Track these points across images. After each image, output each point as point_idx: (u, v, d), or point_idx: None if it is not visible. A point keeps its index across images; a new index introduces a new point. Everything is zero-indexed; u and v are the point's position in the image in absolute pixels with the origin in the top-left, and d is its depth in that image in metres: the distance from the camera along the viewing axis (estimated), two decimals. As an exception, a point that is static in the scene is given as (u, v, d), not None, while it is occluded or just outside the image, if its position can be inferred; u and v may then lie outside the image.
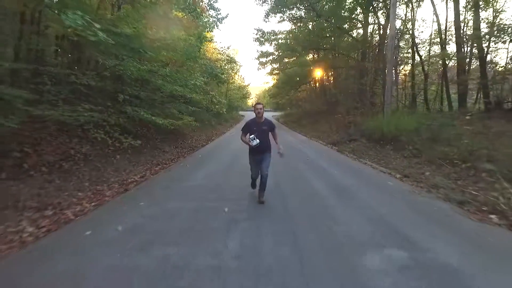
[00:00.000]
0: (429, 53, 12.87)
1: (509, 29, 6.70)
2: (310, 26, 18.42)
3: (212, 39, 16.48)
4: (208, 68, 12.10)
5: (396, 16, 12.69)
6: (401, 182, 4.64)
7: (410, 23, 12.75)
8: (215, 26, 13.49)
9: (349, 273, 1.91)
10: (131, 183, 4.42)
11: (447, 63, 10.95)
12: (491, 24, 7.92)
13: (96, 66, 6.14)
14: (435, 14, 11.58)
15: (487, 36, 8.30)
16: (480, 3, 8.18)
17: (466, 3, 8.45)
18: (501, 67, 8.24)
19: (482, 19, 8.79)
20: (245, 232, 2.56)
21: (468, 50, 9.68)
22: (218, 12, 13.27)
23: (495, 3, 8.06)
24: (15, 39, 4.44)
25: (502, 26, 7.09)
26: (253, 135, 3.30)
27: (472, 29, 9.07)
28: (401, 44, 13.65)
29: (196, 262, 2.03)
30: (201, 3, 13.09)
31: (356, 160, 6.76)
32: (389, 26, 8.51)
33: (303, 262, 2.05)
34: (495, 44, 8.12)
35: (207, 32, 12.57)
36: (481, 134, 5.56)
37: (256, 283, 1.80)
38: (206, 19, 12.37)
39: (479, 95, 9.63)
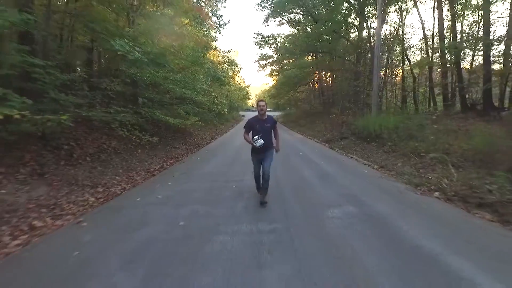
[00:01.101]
0: (421, 57, 13.98)
1: (472, 41, 7.80)
2: (308, 29, 19.50)
3: (216, 48, 17.63)
4: (211, 71, 13.18)
5: (387, 22, 13.84)
6: (376, 171, 5.73)
7: (400, 29, 13.88)
8: (218, 32, 14.59)
9: (316, 218, 3.00)
10: (154, 171, 5.52)
11: (432, 67, 12.06)
12: (467, 35, 9.02)
13: (117, 74, 7.22)
14: (421, 22, 12.73)
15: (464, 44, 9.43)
16: (457, 14, 9.28)
17: (445, 16, 9.52)
18: (472, 71, 9.31)
19: (460, 29, 9.92)
20: (249, 199, 3.65)
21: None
22: (221, 19, 14.37)
23: (468, 16, 9.15)
24: (58, 55, 5.53)
25: (469, 37, 8.20)
26: (257, 136, 3.32)
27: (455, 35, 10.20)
28: (395, 47, 14.77)
29: (216, 212, 3.14)
30: (204, 9, 14.20)
31: (344, 155, 7.86)
32: (375, 38, 9.60)
33: (287, 214, 3.15)
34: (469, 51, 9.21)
35: (212, 42, 13.69)
36: (446, 131, 6.66)
37: (256, 222, 2.89)
38: (212, 31, 13.47)
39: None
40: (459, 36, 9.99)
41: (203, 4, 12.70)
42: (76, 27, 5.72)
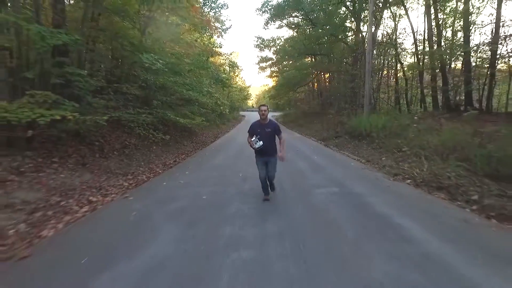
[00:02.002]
0: (413, 60, 14.95)
1: (453, 48, 8.78)
2: (308, 31, 20.43)
3: (220, 54, 18.64)
4: (215, 74, 14.15)
5: (382, 27, 14.80)
6: (362, 164, 6.68)
7: (394, 33, 14.88)
8: (220, 36, 15.57)
9: (305, 194, 3.96)
10: (170, 164, 6.47)
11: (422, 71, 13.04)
12: (448, 42, 10.00)
13: (134, 79, 8.17)
14: (412, 28, 13.70)
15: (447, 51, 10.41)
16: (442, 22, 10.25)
17: (433, 24, 10.49)
18: (456, 75, 10.29)
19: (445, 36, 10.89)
20: (253, 183, 4.59)
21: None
22: (223, 24, 15.34)
23: (453, 24, 10.12)
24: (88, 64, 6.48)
25: (452, 44, 9.18)
26: (256, 138, 3.45)
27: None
28: (389, 51, 15.74)
29: (229, 190, 4.10)
30: (207, 15, 15.16)
31: (336, 151, 8.82)
32: (366, 45, 10.55)
33: (283, 192, 4.10)
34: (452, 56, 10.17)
35: (217, 48, 14.68)
36: (426, 130, 7.62)
37: (259, 197, 3.83)
38: (215, 36, 14.45)
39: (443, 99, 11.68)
40: (448, 42, 10.98)
41: (207, 11, 13.64)
42: (101, 40, 6.66)
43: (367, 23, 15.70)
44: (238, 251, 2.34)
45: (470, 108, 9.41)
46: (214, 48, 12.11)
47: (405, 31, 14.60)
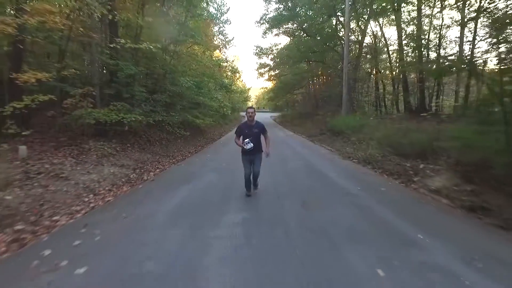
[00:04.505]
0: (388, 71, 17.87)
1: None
2: (302, 39, 23.24)
3: (225, 61, 21.56)
4: (219, 81, 17.05)
5: (366, 35, 17.65)
6: (330, 152, 9.56)
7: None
8: (224, 47, 18.49)
9: (283, 167, 6.85)
10: (193, 152, 9.35)
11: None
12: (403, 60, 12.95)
13: (161, 90, 11.02)
14: (385, 41, 16.61)
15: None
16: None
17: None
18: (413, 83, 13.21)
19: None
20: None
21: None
22: (226, 37, 18.26)
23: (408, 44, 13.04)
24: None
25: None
26: (248, 139, 3.88)
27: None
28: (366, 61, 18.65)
29: (238, 162, 6.98)
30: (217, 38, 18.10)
31: (317, 145, 11.71)
32: (344, 57, 13.46)
33: (270, 166, 6.98)
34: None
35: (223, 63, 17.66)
36: (381, 127, 10.50)
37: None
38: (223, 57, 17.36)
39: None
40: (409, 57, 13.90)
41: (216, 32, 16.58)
42: (142, 63, 9.50)
43: (355, 33, 18.68)
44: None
45: (424, 111, 12.32)
46: (221, 63, 15.00)
47: (384, 43, 17.35)
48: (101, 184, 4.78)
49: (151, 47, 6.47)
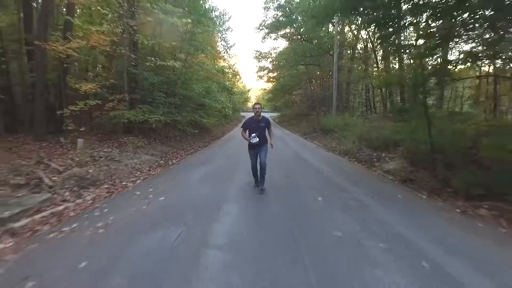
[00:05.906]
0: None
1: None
2: (299, 42, 25.09)
3: (228, 66, 23.53)
4: (222, 84, 18.97)
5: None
6: (318, 146, 11.48)
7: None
8: (226, 52, 20.43)
9: (279, 156, 8.76)
10: (203, 146, 11.27)
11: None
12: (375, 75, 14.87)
13: (172, 93, 12.91)
14: (373, 50, 18.53)
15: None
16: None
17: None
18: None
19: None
20: (252, 152, 9.40)
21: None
22: (228, 43, 20.19)
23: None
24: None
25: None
26: (254, 134, 4.23)
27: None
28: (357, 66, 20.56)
29: (241, 154, 8.89)
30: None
31: (308, 141, 13.63)
32: (334, 63, 15.39)
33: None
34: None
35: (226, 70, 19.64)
36: (360, 126, 12.41)
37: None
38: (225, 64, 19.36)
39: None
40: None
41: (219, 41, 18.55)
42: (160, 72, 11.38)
43: (348, 39, 20.56)
44: (248, 163, 7.13)
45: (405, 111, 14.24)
46: (224, 70, 16.96)
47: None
48: (142, 166, 6.68)
49: (176, 64, 8.36)
